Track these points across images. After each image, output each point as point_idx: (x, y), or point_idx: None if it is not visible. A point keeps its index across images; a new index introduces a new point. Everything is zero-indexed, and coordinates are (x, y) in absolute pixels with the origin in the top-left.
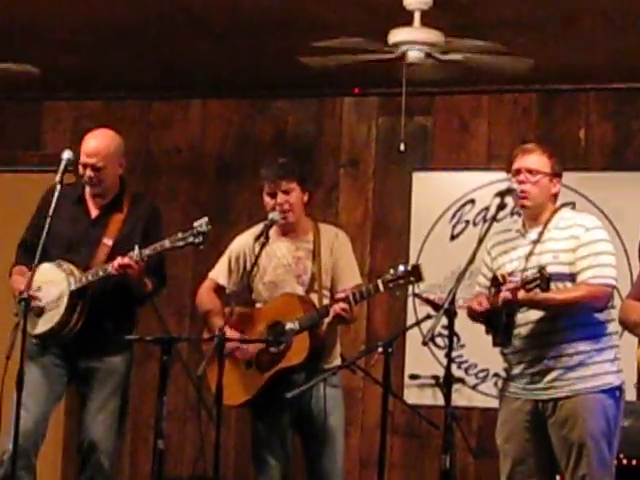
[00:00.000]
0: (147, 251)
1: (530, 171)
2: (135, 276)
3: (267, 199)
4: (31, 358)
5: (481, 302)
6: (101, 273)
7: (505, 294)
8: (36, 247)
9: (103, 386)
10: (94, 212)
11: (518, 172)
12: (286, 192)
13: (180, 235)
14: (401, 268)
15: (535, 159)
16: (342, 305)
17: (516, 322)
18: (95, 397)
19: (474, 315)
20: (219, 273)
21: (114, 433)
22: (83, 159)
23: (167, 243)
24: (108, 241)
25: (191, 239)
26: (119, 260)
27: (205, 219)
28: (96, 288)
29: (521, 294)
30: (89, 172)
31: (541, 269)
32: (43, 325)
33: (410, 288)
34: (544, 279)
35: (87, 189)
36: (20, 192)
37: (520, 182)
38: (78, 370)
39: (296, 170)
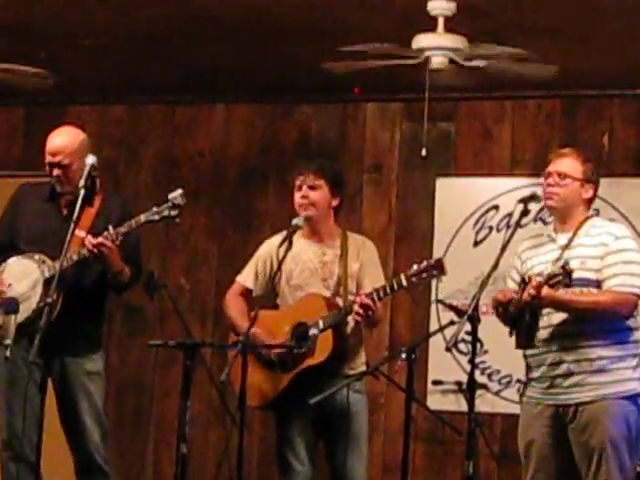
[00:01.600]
0: (122, 229)
1: (560, 174)
2: (111, 257)
3: (295, 194)
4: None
5: (505, 294)
6: (75, 257)
7: (529, 290)
8: (6, 247)
9: (77, 385)
10: (65, 209)
11: (549, 175)
12: (312, 187)
13: (155, 209)
14: (425, 261)
15: (567, 163)
16: (365, 300)
17: (539, 324)
18: (71, 396)
19: (500, 312)
20: (247, 277)
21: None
22: (48, 159)
23: (142, 218)
24: (81, 233)
25: (166, 212)
26: (93, 239)
27: (180, 191)
28: (72, 276)
29: (545, 291)
30: (56, 171)
31: (565, 264)
32: (21, 316)
33: (434, 295)
34: (566, 273)
35: (57, 187)
36: None
37: (548, 185)
38: (53, 369)
39: (328, 171)
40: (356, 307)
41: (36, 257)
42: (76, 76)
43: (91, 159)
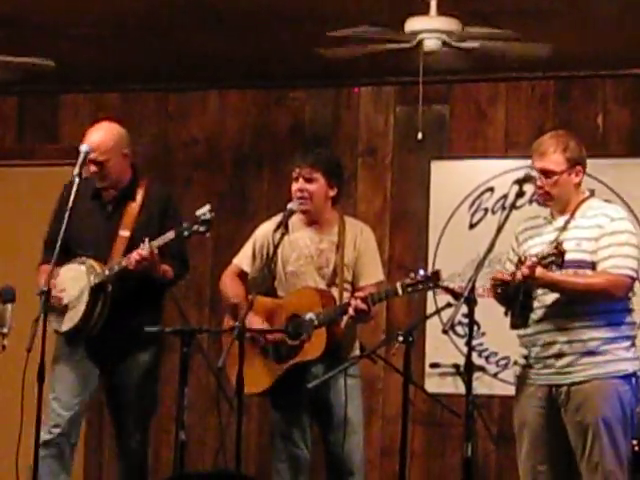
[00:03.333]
0: (156, 243)
1: (546, 173)
2: (152, 268)
3: (293, 184)
4: (61, 355)
5: (503, 273)
6: (116, 268)
7: (523, 270)
8: (65, 244)
9: (129, 382)
10: (109, 205)
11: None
12: (309, 180)
13: (185, 225)
14: (421, 272)
15: (549, 160)
16: (361, 305)
17: (533, 304)
18: (121, 392)
19: (498, 292)
20: (243, 259)
21: (141, 425)
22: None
23: (172, 234)
24: (125, 233)
25: (196, 227)
26: (134, 256)
27: (207, 207)
28: (116, 281)
29: (538, 270)
30: (92, 167)
31: (557, 244)
32: (68, 322)
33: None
34: (559, 253)
35: (97, 183)
36: (39, 185)
37: (539, 187)
38: (106, 365)
39: (324, 162)
40: (351, 310)
41: (85, 263)
42: (69, 65)
43: (85, 147)
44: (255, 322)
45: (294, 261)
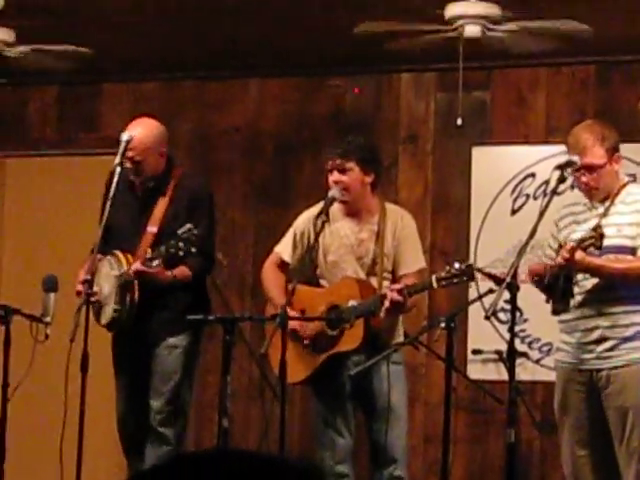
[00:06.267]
0: (155, 261)
1: (588, 168)
2: (152, 281)
3: (328, 177)
4: (115, 360)
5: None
6: (124, 279)
7: (563, 254)
8: (106, 235)
9: (165, 365)
10: (141, 197)
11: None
12: (342, 171)
13: (172, 242)
14: (456, 265)
15: (591, 155)
16: (396, 297)
17: (574, 289)
18: (156, 376)
19: (536, 280)
20: (283, 248)
21: (175, 409)
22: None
23: (163, 249)
24: (152, 228)
25: (181, 244)
26: (133, 268)
27: (188, 226)
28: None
29: (578, 255)
30: (129, 164)
31: (596, 227)
32: (106, 317)
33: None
34: (598, 236)
35: (131, 177)
36: (79, 175)
37: (582, 182)
38: (142, 352)
39: (356, 150)
40: (386, 302)
41: (114, 256)
42: (109, 54)
43: (125, 136)
44: (293, 314)
45: (335, 251)
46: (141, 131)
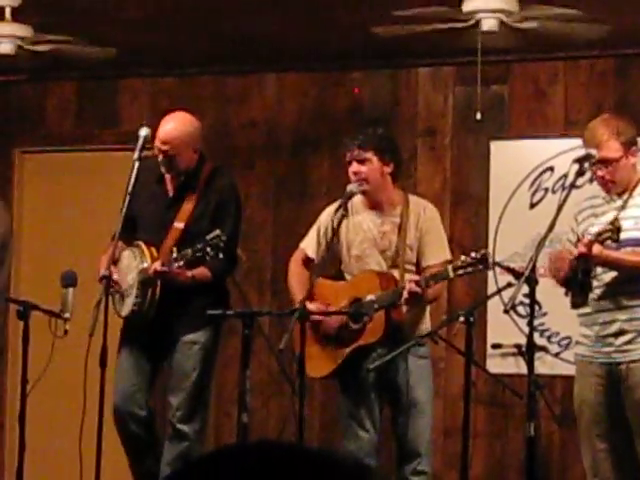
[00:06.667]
0: (177, 263)
1: (604, 162)
2: (173, 281)
3: (348, 169)
4: (122, 341)
5: (557, 255)
6: (144, 276)
7: (580, 247)
8: (129, 225)
9: (184, 361)
10: (171, 191)
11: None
12: (361, 162)
13: (199, 246)
14: (472, 254)
15: (606, 149)
16: (414, 288)
17: (592, 283)
18: (175, 372)
19: (554, 273)
20: (308, 244)
21: (194, 405)
22: (157, 144)
23: (190, 252)
24: (179, 225)
25: (208, 249)
26: (154, 267)
27: (217, 232)
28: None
29: (595, 248)
30: (162, 157)
31: (614, 220)
32: (127, 307)
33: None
34: (615, 229)
35: (163, 170)
36: (98, 170)
37: (599, 176)
38: (162, 346)
39: (374, 141)
40: (405, 293)
41: (138, 247)
42: (128, 49)
43: (144, 131)
44: (314, 309)
45: (358, 244)
46: (177, 126)
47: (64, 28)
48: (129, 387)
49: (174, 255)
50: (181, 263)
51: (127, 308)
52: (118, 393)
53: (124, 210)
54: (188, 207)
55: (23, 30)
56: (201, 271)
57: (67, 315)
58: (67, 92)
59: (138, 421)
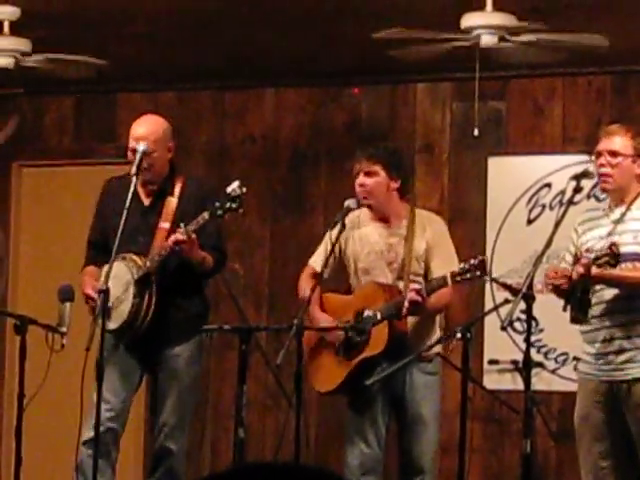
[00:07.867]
0: (191, 227)
1: (612, 153)
2: (190, 252)
3: (355, 181)
4: (107, 355)
5: (557, 272)
6: (157, 258)
7: (578, 269)
8: (102, 245)
9: (174, 375)
10: (147, 200)
11: (600, 154)
12: (368, 174)
13: (217, 204)
14: (470, 261)
15: (617, 141)
16: (415, 297)
17: (591, 299)
18: (166, 385)
19: (552, 288)
20: (316, 259)
21: (186, 418)
22: (132, 144)
23: (206, 215)
24: (165, 225)
25: (228, 205)
26: (171, 239)
27: (237, 183)
28: (159, 272)
29: (594, 270)
30: (138, 159)
31: (611, 245)
32: (116, 321)
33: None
34: (613, 254)
35: (134, 179)
36: (96, 184)
37: (601, 165)
38: (150, 360)
39: (384, 155)
40: (406, 303)
41: (126, 258)
42: (126, 64)
43: (142, 146)
44: (323, 320)
45: (365, 257)
46: (150, 124)
47: (63, 42)
48: (118, 403)
49: (182, 229)
50: (195, 227)
51: (119, 319)
52: (108, 411)
53: (121, 226)
54: (170, 208)
55: (21, 44)
56: (206, 255)
57: (64, 329)
58: (65, 106)
59: (116, 441)
